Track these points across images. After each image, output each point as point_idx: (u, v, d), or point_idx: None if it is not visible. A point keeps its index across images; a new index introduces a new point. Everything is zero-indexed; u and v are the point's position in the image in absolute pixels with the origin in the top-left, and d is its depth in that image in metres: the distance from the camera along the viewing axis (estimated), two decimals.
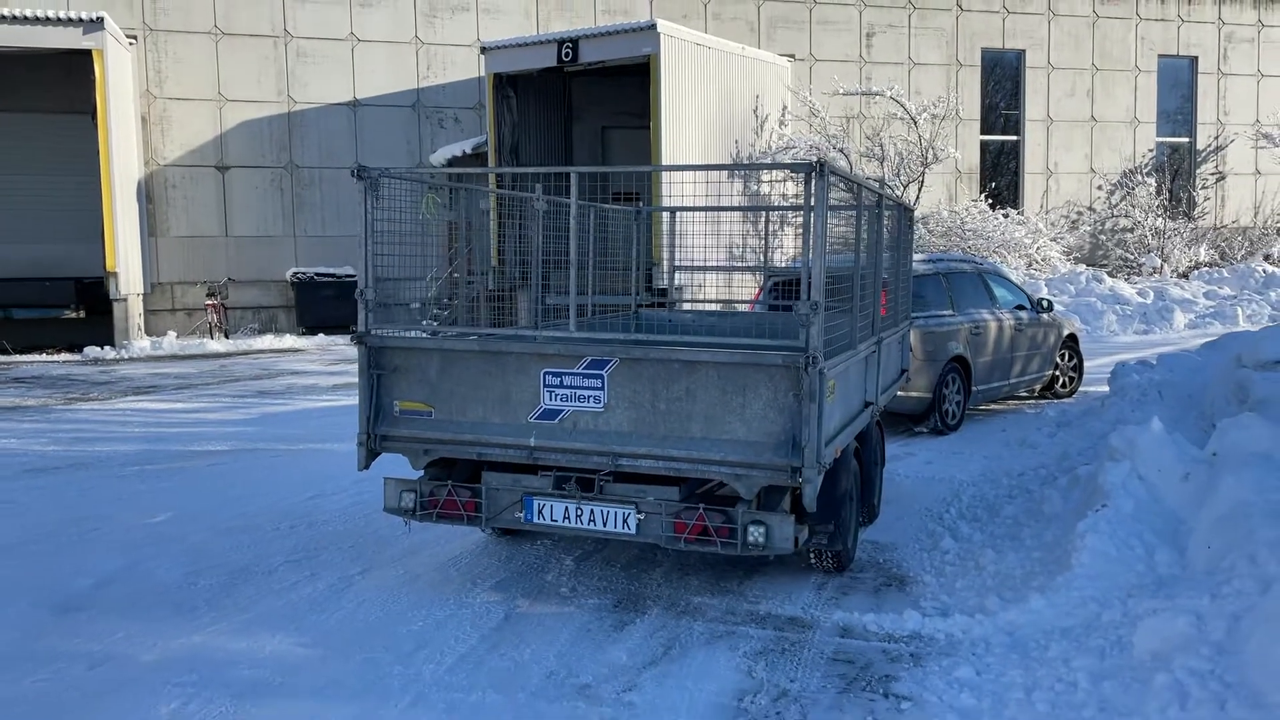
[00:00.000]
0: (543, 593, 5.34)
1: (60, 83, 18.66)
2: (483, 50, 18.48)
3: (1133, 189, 24.30)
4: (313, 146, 20.10)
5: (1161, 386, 8.09)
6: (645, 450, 4.72)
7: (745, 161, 19.00)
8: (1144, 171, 24.51)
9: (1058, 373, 11.64)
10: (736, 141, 18.83)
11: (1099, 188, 24.70)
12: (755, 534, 4.59)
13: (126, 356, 16.97)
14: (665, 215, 8.37)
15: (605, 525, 4.84)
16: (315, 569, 5.71)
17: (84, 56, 17.09)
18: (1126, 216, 24.39)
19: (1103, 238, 24.40)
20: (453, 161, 19.35)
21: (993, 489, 7.32)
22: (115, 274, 17.25)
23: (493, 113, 18.32)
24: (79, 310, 18.08)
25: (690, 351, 4.71)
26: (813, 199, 4.41)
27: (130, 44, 18.88)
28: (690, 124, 17.47)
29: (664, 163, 16.89)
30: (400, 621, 4.92)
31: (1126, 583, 4.71)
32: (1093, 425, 8.08)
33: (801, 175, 4.48)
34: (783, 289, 8.91)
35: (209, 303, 19.24)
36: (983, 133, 24.25)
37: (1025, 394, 11.56)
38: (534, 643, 4.68)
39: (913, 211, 8.44)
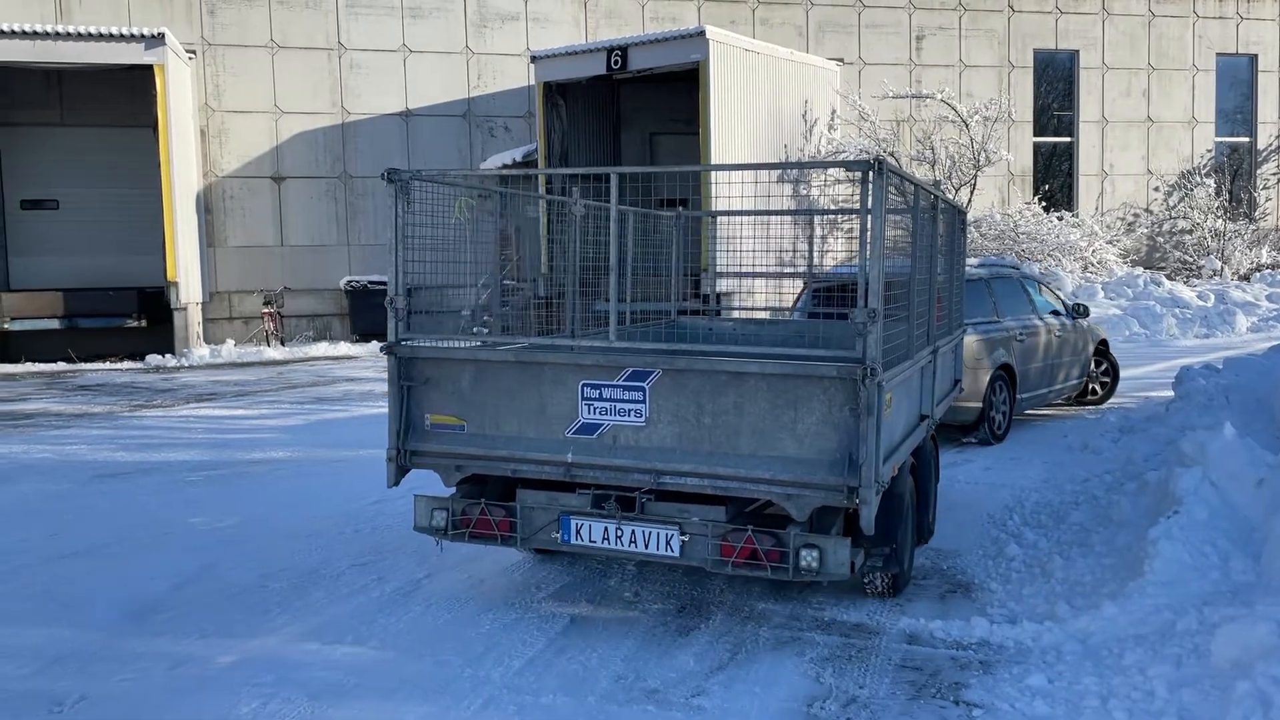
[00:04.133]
0: (606, 598, 5.38)
1: (123, 97, 19.15)
2: (532, 59, 18.64)
3: (1191, 190, 23.85)
4: (366, 156, 20.40)
5: (1229, 391, 7.94)
6: (689, 468, 4.48)
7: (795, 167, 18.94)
8: (1203, 172, 24.05)
9: (1090, 380, 11.44)
10: (785, 146, 18.79)
11: (1156, 189, 24.27)
12: (808, 558, 4.33)
13: (187, 364, 17.35)
14: (708, 220, 8.31)
15: (647, 547, 4.61)
16: (382, 573, 5.80)
17: (145, 71, 17.54)
18: (1185, 218, 23.94)
19: (1160, 240, 23.96)
20: (501, 168, 19.52)
21: (1057, 495, 7.23)
22: (176, 283, 17.66)
23: (542, 121, 18.47)
24: (141, 319, 18.53)
25: (737, 362, 4.46)
26: (869, 199, 4.17)
27: (190, 59, 19.32)
28: (739, 129, 17.47)
29: (713, 181, 16.89)
30: (468, 625, 4.98)
31: (1201, 590, 4.64)
32: (1158, 431, 7.94)
33: (855, 176, 4.28)
34: (825, 295, 8.57)
35: (265, 311, 19.61)
36: (1036, 134, 23.95)
37: (1060, 402, 11.31)
38: (600, 647, 4.71)
39: (965, 214, 8.21)
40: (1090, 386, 11.49)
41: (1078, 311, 10.97)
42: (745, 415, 4.39)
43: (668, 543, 4.56)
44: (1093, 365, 11.39)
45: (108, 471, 8.74)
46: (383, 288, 20.82)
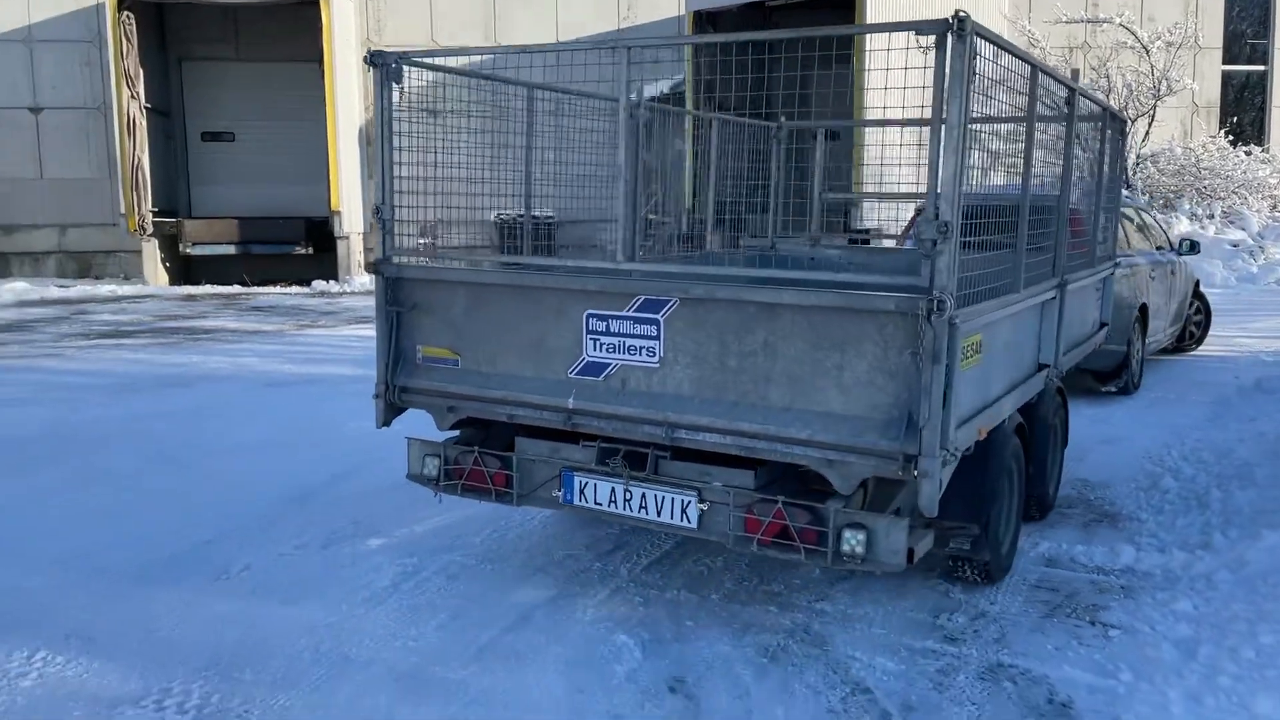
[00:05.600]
0: None
1: (292, 33, 20.00)
2: None
3: None
4: (517, 89, 20.70)
5: None
6: (708, 421, 3.67)
7: None
8: None
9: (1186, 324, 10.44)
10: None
11: None
12: (852, 541, 3.45)
13: (348, 290, 18.23)
14: (820, 139, 7.68)
15: (660, 515, 3.84)
16: None
17: (312, 7, 18.25)
18: None
19: None
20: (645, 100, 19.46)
21: (1221, 433, 6.82)
22: (339, 213, 18.51)
23: (691, 51, 18.25)
24: (308, 247, 19.52)
25: (769, 291, 3.55)
26: (947, 74, 3.14)
27: None
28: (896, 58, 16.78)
29: (866, 104, 16.32)
30: (598, 525, 5.11)
31: None
32: None
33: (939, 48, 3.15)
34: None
35: (421, 242, 20.32)
36: (1225, 63, 22.11)
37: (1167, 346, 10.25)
38: (726, 552, 4.75)
39: (1124, 120, 6.69)
40: (1187, 330, 10.49)
41: (1184, 248, 9.82)
42: (779, 358, 3.54)
43: (684, 511, 3.78)
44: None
45: (276, 381, 9.33)
46: (531, 220, 21.28)
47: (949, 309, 3.20)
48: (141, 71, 18.41)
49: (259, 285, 18.97)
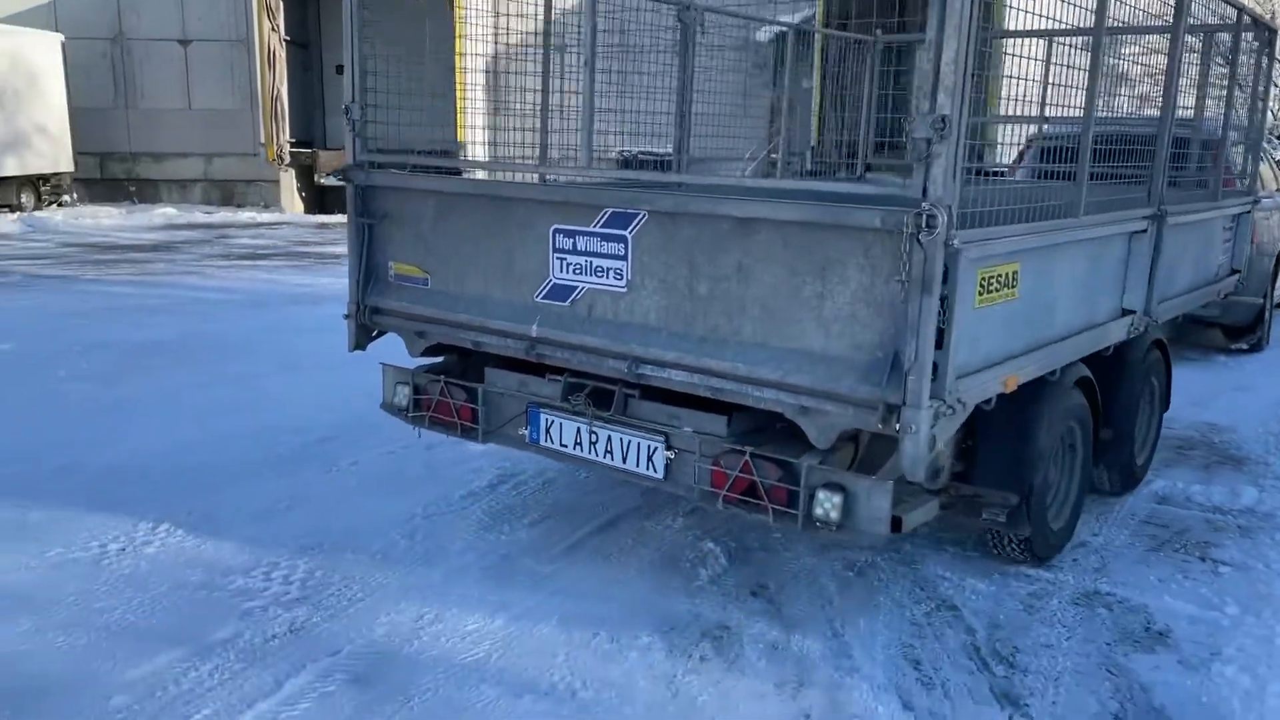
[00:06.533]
0: None
1: None
2: None
3: None
4: (639, 25, 20.53)
5: None
6: (675, 356, 3.21)
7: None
8: None
9: None
10: (1085, 9, 16.98)
11: None
12: (826, 504, 2.94)
13: None
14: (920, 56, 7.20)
15: (625, 461, 3.43)
16: None
17: None
18: None
19: None
20: (777, 36, 19.04)
21: None
22: (464, 145, 18.83)
23: None
24: None
25: (745, 205, 3.08)
26: None
27: None
28: None
29: (1004, 30, 15.55)
30: None
31: None
32: None
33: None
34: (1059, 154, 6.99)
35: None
36: None
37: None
38: None
39: (1272, 30, 5.54)
40: None
41: None
42: (752, 284, 3.04)
43: (650, 458, 3.37)
44: None
45: None
46: (648, 158, 21.16)
47: (942, 226, 2.60)
48: (281, 4, 18.98)
49: None
